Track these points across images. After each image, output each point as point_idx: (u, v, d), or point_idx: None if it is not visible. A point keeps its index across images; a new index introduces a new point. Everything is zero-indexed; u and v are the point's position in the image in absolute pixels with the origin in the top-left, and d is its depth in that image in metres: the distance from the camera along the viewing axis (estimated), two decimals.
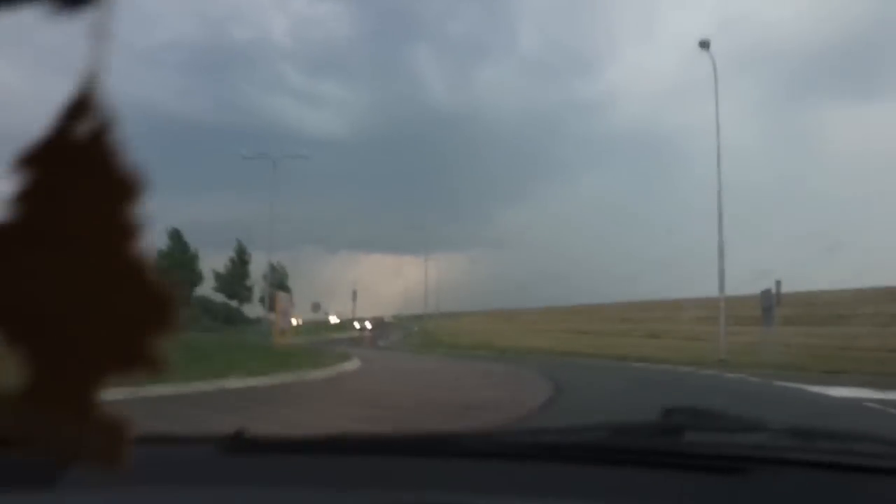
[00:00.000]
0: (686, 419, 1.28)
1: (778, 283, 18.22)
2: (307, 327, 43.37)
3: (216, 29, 54.64)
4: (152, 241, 0.23)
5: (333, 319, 63.51)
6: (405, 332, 47.85)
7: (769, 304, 18.32)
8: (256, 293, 47.10)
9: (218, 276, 47.33)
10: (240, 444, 1.13)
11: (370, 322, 61.26)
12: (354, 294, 56.62)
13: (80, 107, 0.22)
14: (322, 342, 27.85)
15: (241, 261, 48.34)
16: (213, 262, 46.55)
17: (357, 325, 55.23)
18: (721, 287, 19.75)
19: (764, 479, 1.03)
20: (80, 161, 0.22)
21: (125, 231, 0.24)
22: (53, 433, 0.25)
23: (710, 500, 1.02)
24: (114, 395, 0.23)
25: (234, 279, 47.63)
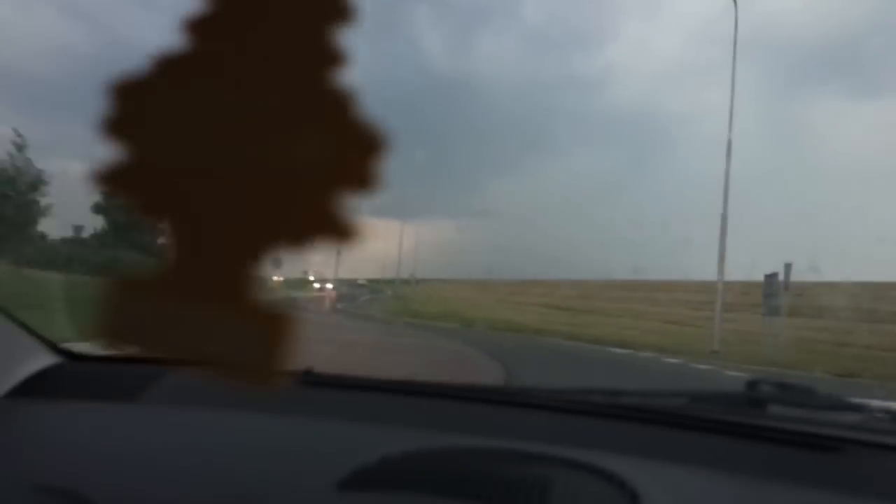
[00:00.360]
0: (772, 392, 1.26)
1: (788, 266, 15.50)
2: (287, 283, 43.08)
3: None
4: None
5: (312, 278, 62.80)
6: (375, 296, 45.94)
7: (772, 291, 15.74)
8: None
9: None
10: (313, 378, 1.26)
11: (342, 284, 59.77)
12: (338, 255, 53.13)
13: None
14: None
15: None
16: None
17: (317, 284, 54.33)
18: (720, 269, 17.09)
19: (862, 459, 1.02)
20: None
21: (332, 57, 0.21)
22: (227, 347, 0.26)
23: (798, 475, 0.99)
24: None
25: None
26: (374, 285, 62.17)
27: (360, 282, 67.71)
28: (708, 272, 18.61)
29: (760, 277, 16.63)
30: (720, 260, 16.82)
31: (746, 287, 20.15)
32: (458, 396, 1.27)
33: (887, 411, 1.16)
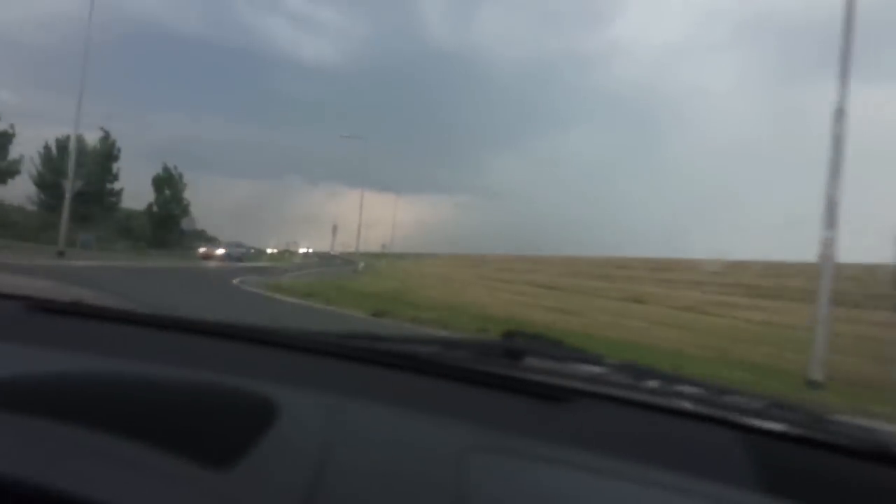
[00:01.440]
0: (526, 344, 1.35)
1: None
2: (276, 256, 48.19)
3: None
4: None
5: (303, 250, 63.10)
6: (345, 269, 41.55)
7: None
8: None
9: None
10: (48, 305, 1.26)
11: (313, 255, 56.63)
12: (335, 228, 53.25)
13: None
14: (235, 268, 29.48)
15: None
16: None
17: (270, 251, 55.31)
18: (826, 244, 9.15)
19: (589, 410, 1.11)
20: None
21: None
22: None
23: (532, 424, 1.05)
24: None
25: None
26: (352, 257, 59.27)
27: (331, 253, 64.15)
28: (710, 251, 13.15)
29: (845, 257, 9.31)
30: (828, 231, 9.20)
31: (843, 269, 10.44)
32: (208, 333, 1.30)
33: (622, 365, 1.31)
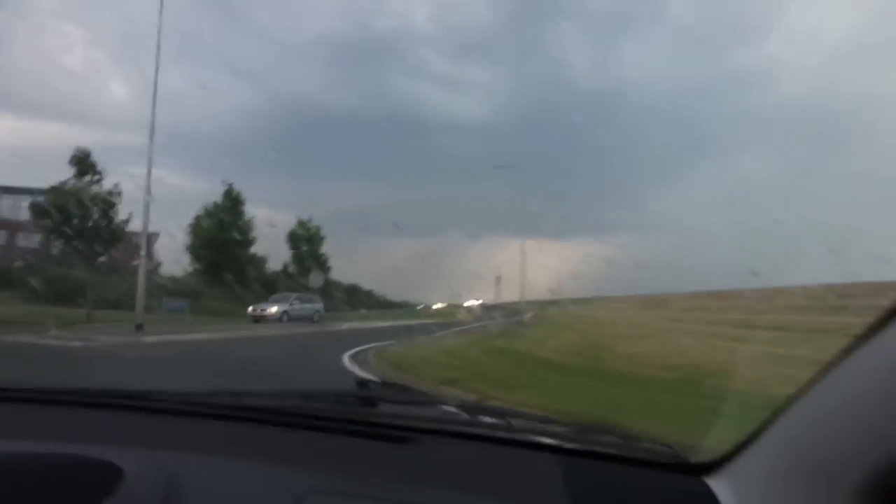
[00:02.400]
0: (379, 391, 1.49)
1: None
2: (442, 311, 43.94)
3: (360, 21, 56.10)
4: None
5: (468, 303, 60.56)
6: (510, 321, 37.70)
7: None
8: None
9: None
10: None
11: (479, 308, 53.57)
12: (498, 279, 50.73)
13: None
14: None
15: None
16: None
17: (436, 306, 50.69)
18: None
19: (429, 447, 1.24)
20: None
21: None
22: None
23: (382, 469, 1.14)
24: None
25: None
26: (513, 307, 55.83)
27: (495, 305, 60.95)
28: None
29: None
30: None
31: None
32: (79, 403, 1.35)
33: (461, 404, 1.46)
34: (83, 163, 32.64)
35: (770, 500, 0.99)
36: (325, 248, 42.78)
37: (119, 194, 33.25)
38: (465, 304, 55.65)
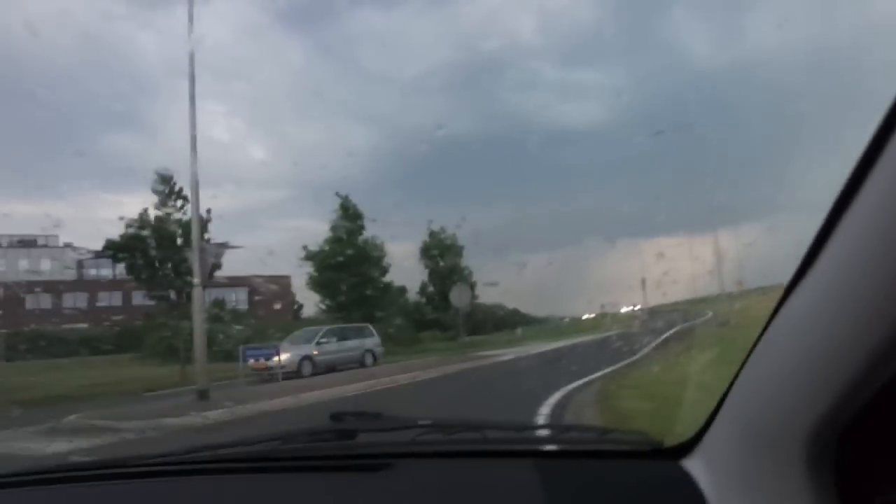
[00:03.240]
0: (351, 422, 1.51)
1: None
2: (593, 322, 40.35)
3: (468, 46, 54.79)
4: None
5: (626, 310, 54.64)
6: (709, 326, 31.11)
7: None
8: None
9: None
10: None
11: (642, 313, 47.06)
12: (643, 282, 43.25)
13: None
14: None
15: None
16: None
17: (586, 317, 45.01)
18: None
19: (407, 471, 1.26)
20: None
21: None
22: None
23: (362, 499, 1.18)
24: None
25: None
26: (672, 309, 48.61)
27: (658, 308, 53.54)
28: None
29: None
30: None
31: None
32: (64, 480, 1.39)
33: (433, 424, 1.48)
34: (167, 183, 22.65)
35: (739, 470, 1.04)
36: (466, 262, 34.50)
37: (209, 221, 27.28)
38: (623, 311, 48.45)
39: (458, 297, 25.71)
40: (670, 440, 1.29)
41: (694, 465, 1.18)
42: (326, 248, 29.11)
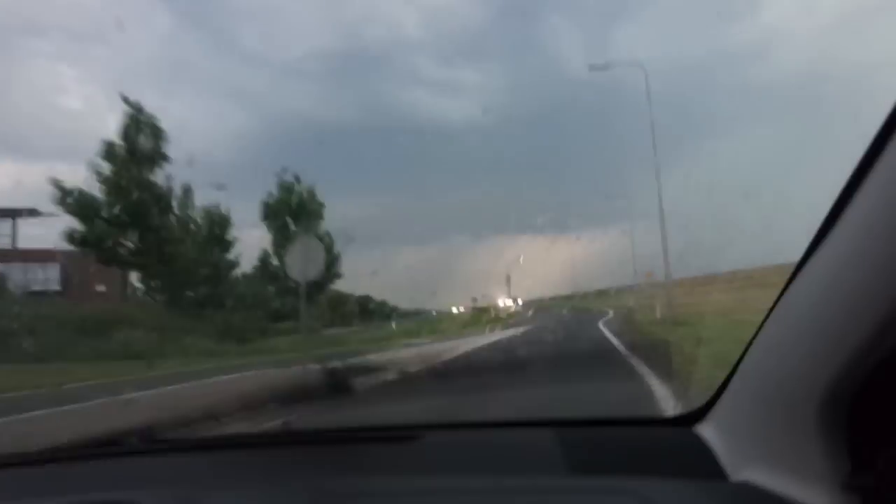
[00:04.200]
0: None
1: None
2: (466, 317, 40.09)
3: (350, 32, 53.25)
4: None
5: (503, 304, 54.48)
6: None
7: None
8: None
9: None
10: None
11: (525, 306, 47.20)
12: (508, 279, 42.79)
13: None
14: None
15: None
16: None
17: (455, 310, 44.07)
18: None
19: (432, 441, 1.33)
20: None
21: None
22: None
23: (387, 471, 1.23)
24: None
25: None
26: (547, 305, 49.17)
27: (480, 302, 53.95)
28: None
29: None
30: None
31: None
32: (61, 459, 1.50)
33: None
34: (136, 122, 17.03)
35: (751, 433, 1.09)
36: (328, 226, 25.29)
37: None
38: (501, 305, 47.19)
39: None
40: (683, 408, 1.40)
41: (707, 431, 1.27)
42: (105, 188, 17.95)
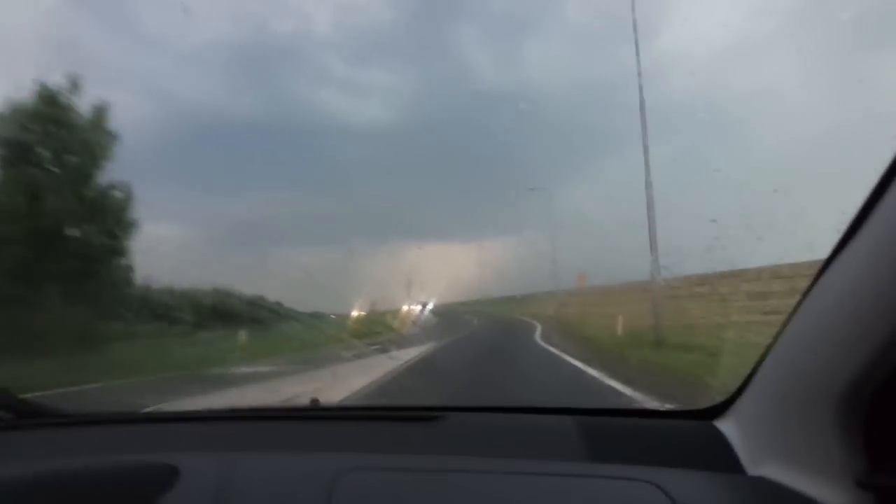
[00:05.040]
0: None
1: None
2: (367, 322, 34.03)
3: (257, 24, 50.27)
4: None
5: (410, 307, 52.96)
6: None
7: None
8: None
9: None
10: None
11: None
12: (409, 283, 41.72)
13: None
14: None
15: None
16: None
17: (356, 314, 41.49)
18: None
19: (457, 422, 1.36)
20: None
21: None
22: None
23: (410, 448, 1.27)
24: None
25: None
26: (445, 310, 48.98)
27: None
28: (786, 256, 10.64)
29: None
30: None
31: None
32: (142, 421, 1.61)
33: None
34: None
35: (770, 430, 1.12)
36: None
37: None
38: (405, 310, 45.18)
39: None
40: (704, 403, 1.38)
41: (727, 426, 1.28)
42: None
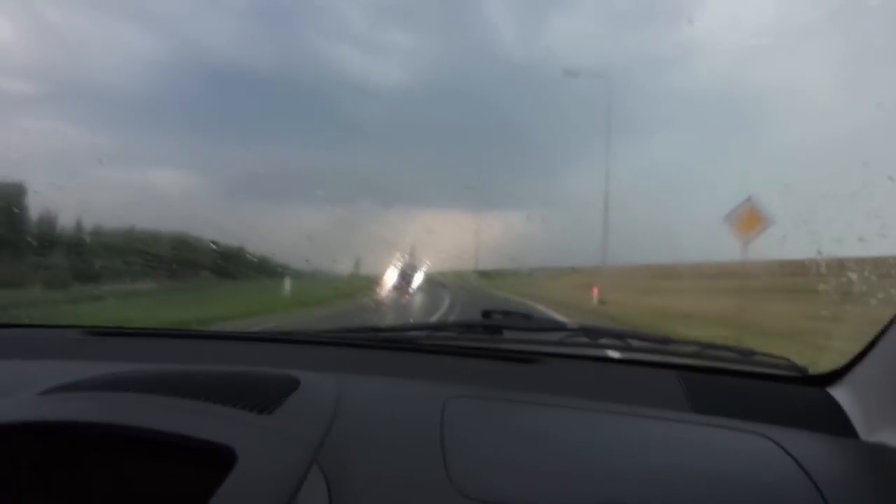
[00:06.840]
0: (501, 320, 1.64)
1: None
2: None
3: None
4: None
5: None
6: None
7: None
8: None
9: None
10: (98, 330, 1.60)
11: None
12: (412, 249, 40.21)
13: None
14: None
15: None
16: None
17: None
18: None
19: (553, 368, 1.40)
20: None
21: None
22: None
23: (511, 383, 1.31)
24: None
25: None
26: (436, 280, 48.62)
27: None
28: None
29: None
30: None
31: None
32: (246, 339, 1.68)
33: (581, 329, 1.56)
34: None
35: (887, 401, 1.12)
36: None
37: None
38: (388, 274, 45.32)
39: None
40: (815, 369, 1.37)
41: (841, 394, 1.26)
42: None
